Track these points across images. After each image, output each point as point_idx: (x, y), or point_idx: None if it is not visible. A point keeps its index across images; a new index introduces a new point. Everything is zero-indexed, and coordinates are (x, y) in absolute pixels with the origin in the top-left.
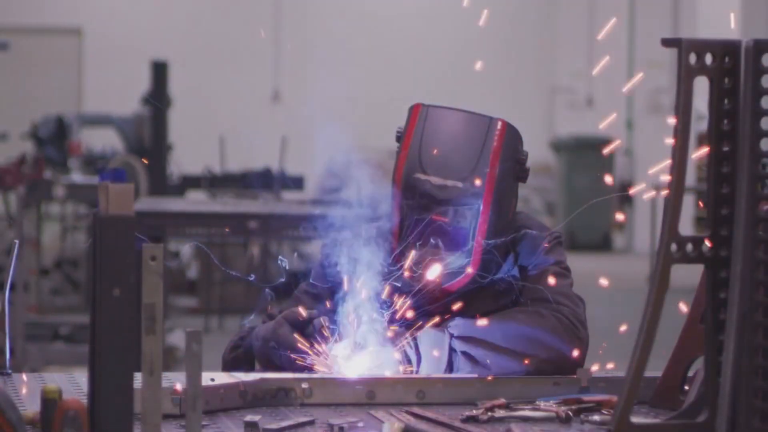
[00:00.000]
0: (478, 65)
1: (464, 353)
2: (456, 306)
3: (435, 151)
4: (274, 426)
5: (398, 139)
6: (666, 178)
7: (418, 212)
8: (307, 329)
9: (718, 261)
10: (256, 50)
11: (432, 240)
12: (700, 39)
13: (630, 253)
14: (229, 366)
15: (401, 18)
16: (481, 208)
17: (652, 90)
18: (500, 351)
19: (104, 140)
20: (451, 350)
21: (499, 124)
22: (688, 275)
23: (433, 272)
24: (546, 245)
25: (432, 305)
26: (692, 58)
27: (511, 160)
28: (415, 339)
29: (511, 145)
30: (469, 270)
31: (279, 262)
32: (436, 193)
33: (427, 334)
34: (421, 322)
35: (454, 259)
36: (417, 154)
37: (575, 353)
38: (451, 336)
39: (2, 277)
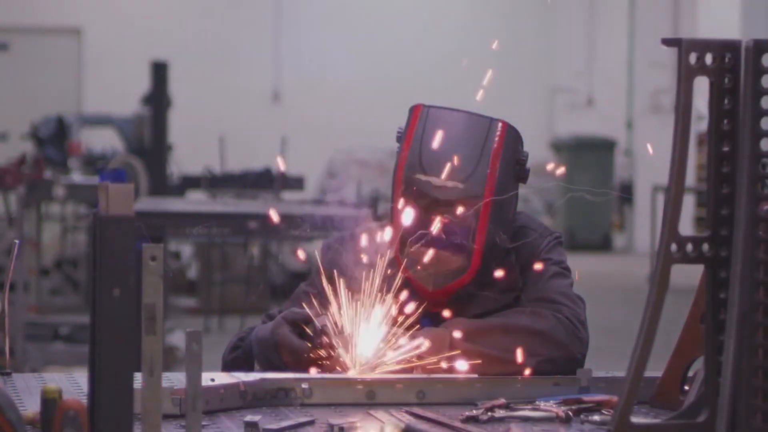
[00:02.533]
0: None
1: (464, 353)
2: (456, 305)
3: (435, 152)
4: (274, 426)
5: (399, 139)
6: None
7: (418, 212)
8: (307, 329)
9: (718, 261)
10: (256, 50)
11: (432, 240)
12: (700, 39)
13: (630, 253)
14: (228, 367)
15: (401, 18)
16: (482, 209)
17: (652, 90)
18: (500, 351)
19: (104, 140)
20: (451, 350)
21: (500, 125)
22: (688, 275)
23: (434, 272)
24: (546, 245)
25: (432, 305)
26: (692, 58)
27: (511, 161)
28: (415, 338)
29: (511, 145)
30: (470, 271)
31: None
32: (436, 194)
33: (427, 333)
34: (421, 322)
35: (455, 259)
36: (417, 155)
37: (575, 353)
38: (452, 335)
39: (2, 277)
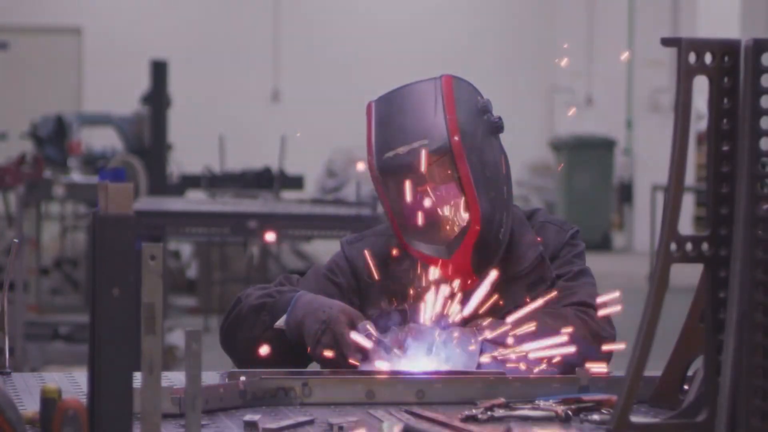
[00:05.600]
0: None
1: (492, 355)
2: (492, 298)
3: (393, 126)
4: (273, 425)
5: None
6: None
7: (404, 191)
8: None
9: (717, 260)
10: (256, 50)
11: (427, 210)
12: (700, 38)
13: (630, 253)
14: (242, 324)
15: (401, 17)
16: (456, 153)
17: (652, 89)
18: (528, 352)
19: (104, 140)
20: (481, 351)
21: (444, 78)
22: (688, 275)
23: (443, 242)
24: (568, 239)
25: (461, 279)
26: (692, 58)
27: (472, 109)
28: (446, 337)
29: (465, 94)
30: (474, 218)
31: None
32: (407, 160)
33: (458, 332)
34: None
35: (456, 220)
36: (380, 139)
37: (602, 355)
38: (483, 337)
39: (2, 277)
